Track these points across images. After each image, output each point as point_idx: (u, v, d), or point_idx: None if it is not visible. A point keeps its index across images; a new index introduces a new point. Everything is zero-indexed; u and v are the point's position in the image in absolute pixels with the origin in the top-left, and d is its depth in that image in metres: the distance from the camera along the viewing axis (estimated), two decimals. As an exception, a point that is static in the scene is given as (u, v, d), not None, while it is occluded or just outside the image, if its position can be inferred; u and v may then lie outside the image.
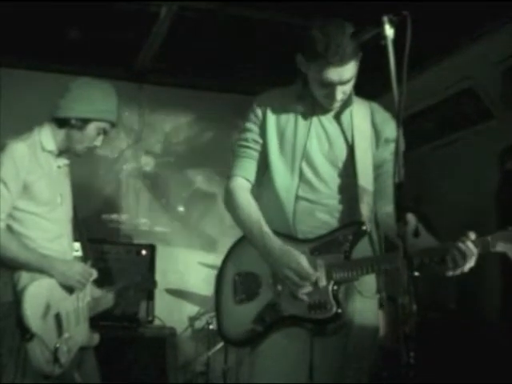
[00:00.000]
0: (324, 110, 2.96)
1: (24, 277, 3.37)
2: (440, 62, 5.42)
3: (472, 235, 2.56)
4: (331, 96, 2.82)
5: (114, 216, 6.31)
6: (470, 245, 2.53)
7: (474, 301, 5.12)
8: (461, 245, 2.54)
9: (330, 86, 2.78)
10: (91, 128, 3.53)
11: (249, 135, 3.03)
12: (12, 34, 5.23)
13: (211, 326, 5.36)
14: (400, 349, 2.13)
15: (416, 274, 2.68)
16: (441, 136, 5.88)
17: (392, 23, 2.30)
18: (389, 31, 2.30)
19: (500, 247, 2.49)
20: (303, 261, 2.77)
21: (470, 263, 2.54)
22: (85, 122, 3.51)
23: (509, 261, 2.50)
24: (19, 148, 3.39)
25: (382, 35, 2.30)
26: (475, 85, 5.21)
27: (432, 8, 4.22)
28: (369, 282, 2.93)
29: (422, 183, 5.45)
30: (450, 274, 2.58)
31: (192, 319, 5.84)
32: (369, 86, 3.90)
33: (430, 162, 5.92)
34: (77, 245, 3.78)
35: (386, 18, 2.30)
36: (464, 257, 2.53)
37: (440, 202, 5.64)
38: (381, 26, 2.30)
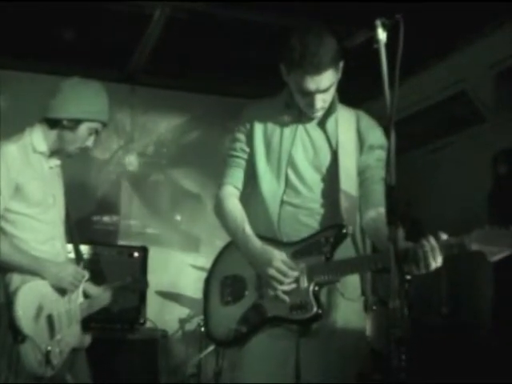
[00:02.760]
0: (309, 118, 3.01)
1: (16, 278, 3.36)
2: (433, 65, 5.43)
3: (443, 235, 2.55)
4: (311, 104, 2.87)
5: (106, 218, 6.31)
6: (431, 241, 2.52)
7: (466, 305, 5.13)
8: (423, 242, 2.53)
9: (309, 95, 2.83)
10: (83, 129, 3.51)
11: (237, 145, 3.12)
12: (4, 35, 5.22)
13: (202, 329, 5.35)
14: (391, 352, 2.13)
15: (408, 277, 2.69)
16: (433, 139, 5.89)
17: (385, 27, 2.30)
18: (382, 35, 2.30)
19: (477, 246, 2.46)
20: (283, 258, 2.83)
21: (436, 261, 2.51)
22: (77, 122, 3.49)
23: (501, 265, 2.49)
24: (10, 149, 3.37)
25: (374, 39, 2.30)
26: (468, 88, 5.23)
27: (425, 11, 4.23)
28: (352, 284, 2.97)
29: (414, 187, 5.45)
30: (415, 272, 2.56)
31: (183, 321, 5.84)
32: (357, 91, 3.91)
33: (422, 165, 5.94)
34: (69, 246, 3.77)
35: (378, 22, 2.31)
36: (425, 254, 2.51)
37: (432, 206, 5.64)
38: (374, 29, 2.30)
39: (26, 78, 5.96)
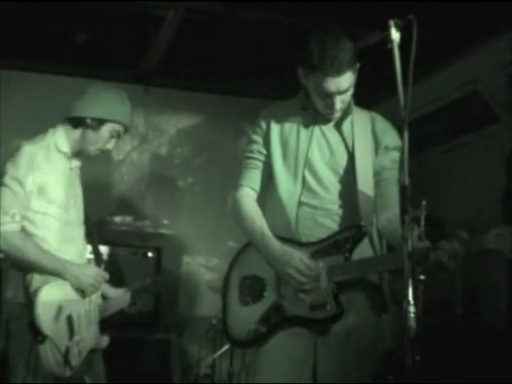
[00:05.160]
0: (325, 120, 3.06)
1: (36, 279, 3.38)
2: (447, 65, 5.42)
3: (463, 234, 2.57)
4: (330, 106, 2.92)
5: (120, 218, 6.32)
6: (452, 241, 2.55)
7: (482, 305, 5.11)
8: (443, 242, 2.56)
9: (329, 97, 2.88)
10: (106, 129, 3.56)
11: (254, 147, 3.17)
12: (19, 37, 5.25)
13: (216, 329, 5.35)
14: (405, 352, 2.13)
15: (422, 277, 2.69)
16: (447, 140, 5.86)
17: (398, 27, 2.32)
18: (395, 35, 2.31)
19: (494, 244, 2.48)
20: (302, 258, 2.87)
21: (456, 261, 2.55)
22: (100, 122, 3.54)
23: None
24: (34, 149, 3.42)
25: (388, 39, 2.31)
26: (482, 88, 5.20)
27: (439, 11, 4.22)
28: (371, 284, 2.97)
29: (428, 187, 5.43)
30: (434, 271, 2.59)
31: (197, 321, 5.84)
32: (371, 93, 3.91)
33: (436, 165, 5.92)
34: (89, 247, 3.79)
35: (391, 22, 2.32)
36: (446, 254, 2.54)
37: (446, 206, 5.62)
38: (387, 29, 2.31)
39: (40, 80, 5.99)
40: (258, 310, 3.00)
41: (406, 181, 2.23)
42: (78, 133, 3.56)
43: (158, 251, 5.61)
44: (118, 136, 3.63)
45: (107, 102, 3.55)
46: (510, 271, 4.67)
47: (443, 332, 4.75)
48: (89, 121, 3.53)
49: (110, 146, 3.64)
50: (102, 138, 3.58)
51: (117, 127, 3.59)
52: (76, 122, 3.56)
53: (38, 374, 3.27)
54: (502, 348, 4.44)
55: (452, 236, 2.59)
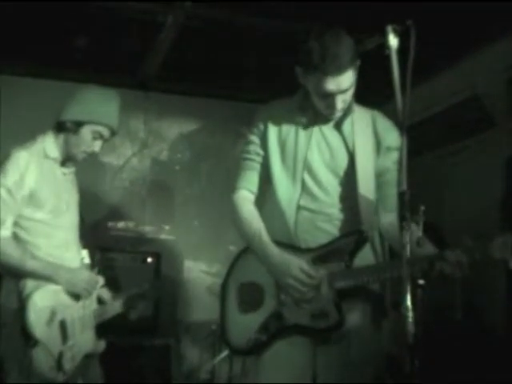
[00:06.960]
0: (325, 120, 2.96)
1: (29, 284, 3.38)
2: (444, 70, 5.43)
3: (468, 241, 2.54)
4: (331, 106, 2.81)
5: (120, 223, 6.32)
6: (456, 251, 2.52)
7: (481, 311, 5.10)
8: (448, 251, 2.53)
9: (330, 96, 2.77)
10: (85, 131, 3.50)
11: (251, 147, 3.08)
12: (18, 42, 5.26)
13: (216, 334, 5.35)
14: (404, 357, 2.13)
15: (420, 282, 2.68)
16: (445, 144, 5.87)
17: (396, 32, 2.31)
18: (393, 41, 2.31)
19: (499, 253, 2.45)
20: (302, 266, 2.79)
21: (462, 270, 2.51)
22: (78, 124, 3.49)
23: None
24: (23, 156, 3.40)
25: (386, 45, 2.31)
26: (480, 93, 5.21)
27: (437, 17, 4.23)
28: (371, 289, 2.90)
29: (426, 192, 5.43)
30: (439, 279, 2.56)
31: (197, 327, 5.83)
32: (373, 94, 3.91)
33: (434, 170, 5.92)
34: (84, 252, 3.78)
35: (389, 28, 2.32)
36: (450, 263, 2.51)
37: (443, 211, 5.62)
38: (385, 35, 2.31)
39: (39, 85, 6.00)
40: (257, 317, 2.92)
41: (404, 186, 2.23)
42: (62, 137, 3.54)
43: (157, 257, 5.61)
44: (101, 137, 3.55)
45: (84, 103, 3.50)
46: (509, 277, 4.67)
47: (442, 336, 4.75)
48: (68, 124, 3.49)
49: (96, 148, 3.56)
50: (84, 141, 3.51)
51: (97, 128, 3.51)
52: (59, 127, 3.53)
53: (31, 379, 3.27)
54: (501, 353, 4.44)
55: (453, 242, 2.56)
